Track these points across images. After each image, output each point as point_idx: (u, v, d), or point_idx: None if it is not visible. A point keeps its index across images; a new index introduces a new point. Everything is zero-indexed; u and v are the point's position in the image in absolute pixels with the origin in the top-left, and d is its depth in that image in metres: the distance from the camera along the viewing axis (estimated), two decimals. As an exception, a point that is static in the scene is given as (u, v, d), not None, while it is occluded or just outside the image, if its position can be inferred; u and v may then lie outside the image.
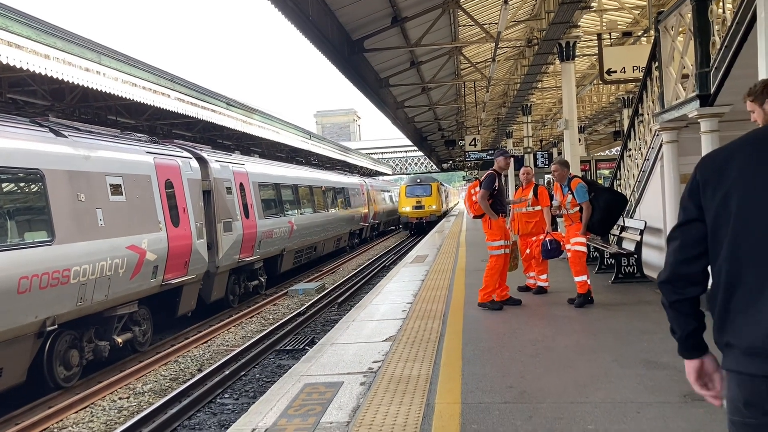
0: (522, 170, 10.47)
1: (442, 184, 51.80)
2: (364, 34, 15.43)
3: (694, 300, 2.29)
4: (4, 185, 8.79)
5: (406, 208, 41.10)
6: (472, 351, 6.61)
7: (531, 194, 9.89)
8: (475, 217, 9.22)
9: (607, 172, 30.59)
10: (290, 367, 6.86)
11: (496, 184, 8.88)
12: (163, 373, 10.70)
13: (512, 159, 9.85)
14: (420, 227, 40.00)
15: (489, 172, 9.04)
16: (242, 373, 10.27)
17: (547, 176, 32.23)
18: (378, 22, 15.36)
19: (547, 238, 9.41)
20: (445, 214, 50.47)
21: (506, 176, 37.95)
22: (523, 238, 10.00)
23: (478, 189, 8.98)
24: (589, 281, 8.83)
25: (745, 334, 2.05)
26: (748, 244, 2.07)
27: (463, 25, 18.64)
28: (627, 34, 18.11)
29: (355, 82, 17.39)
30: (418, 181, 43.05)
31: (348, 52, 15.03)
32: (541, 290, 9.92)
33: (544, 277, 9.98)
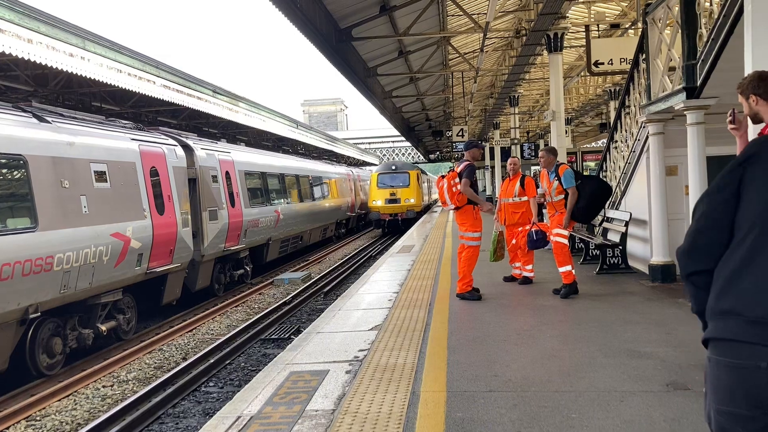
0: (509, 161, 10.52)
1: (423, 173, 42.16)
2: (352, 23, 15.34)
3: (711, 274, 2.24)
4: (-14, 171, 8.68)
5: (377, 201, 32.46)
6: (457, 340, 6.63)
7: (518, 185, 9.92)
8: (456, 208, 9.00)
9: (593, 164, 30.77)
10: (276, 356, 6.85)
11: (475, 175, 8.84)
12: (147, 361, 10.65)
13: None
14: (395, 226, 31.90)
15: (467, 162, 8.99)
16: (227, 362, 10.24)
17: (534, 168, 32.37)
18: (366, 10, 15.27)
19: (533, 229, 9.45)
20: (428, 208, 42.19)
21: (492, 168, 38.08)
22: (510, 228, 10.02)
23: (456, 180, 8.84)
24: (574, 272, 8.88)
25: (759, 302, 2.03)
26: None
27: (452, 15, 18.59)
28: (615, 26, 18.16)
29: (343, 71, 17.31)
30: (393, 168, 34.00)
31: (336, 41, 14.93)
32: (527, 281, 9.96)
33: (529, 267, 10.02)
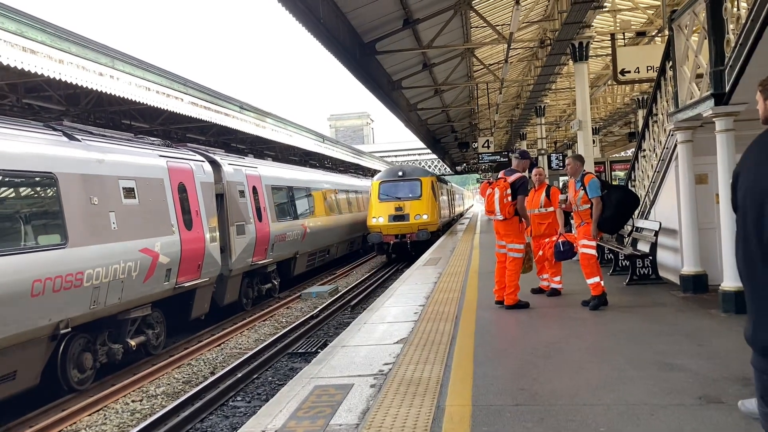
0: (534, 171, 10.43)
1: (441, 181, 32.79)
2: (375, 37, 15.42)
3: None
4: (18, 189, 8.85)
5: (379, 218, 24.76)
6: (484, 353, 6.56)
7: (543, 195, 9.83)
8: (504, 219, 8.92)
9: (622, 173, 30.41)
10: (302, 370, 6.84)
11: None
12: (176, 376, 10.72)
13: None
14: (402, 250, 24.64)
15: (521, 175, 9.01)
16: (255, 376, 10.27)
17: (562, 178, 32.07)
18: (390, 24, 15.34)
19: (559, 240, 9.33)
20: (449, 226, 34.17)
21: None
22: (536, 239, 9.92)
23: (509, 192, 8.81)
24: (602, 283, 8.74)
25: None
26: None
27: (476, 27, 18.57)
28: (641, 34, 17.98)
29: (368, 85, 17.37)
30: (400, 174, 26.23)
31: (360, 55, 15.02)
32: (555, 292, 9.83)
33: (557, 279, 9.89)
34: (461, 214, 54.61)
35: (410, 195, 25.07)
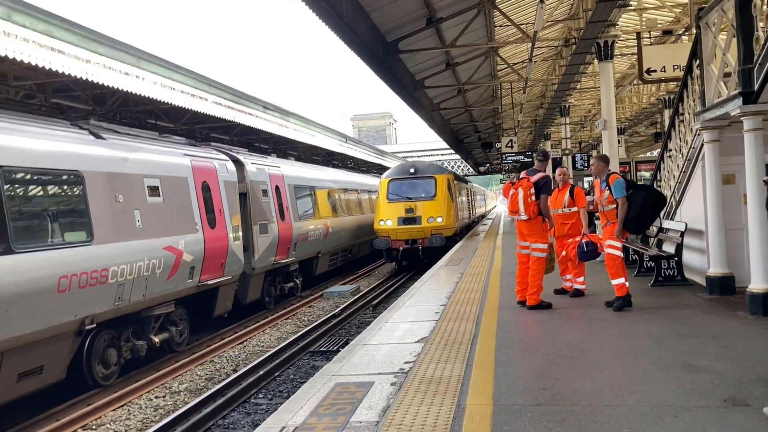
0: (558, 171, 10.35)
1: (460, 179, 29.45)
2: (399, 36, 15.42)
3: None
4: (45, 186, 8.98)
5: (387, 221, 21.80)
6: (505, 353, 6.52)
7: (567, 195, 9.75)
8: (528, 219, 8.91)
9: (647, 174, 30.06)
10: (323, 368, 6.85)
11: None
12: (198, 372, 10.81)
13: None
14: (413, 257, 21.80)
15: (545, 175, 8.97)
16: (277, 374, 10.32)
17: (587, 179, 31.79)
18: (413, 23, 15.33)
19: (583, 240, 9.25)
20: (469, 229, 31.40)
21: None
22: (560, 240, 9.84)
23: (532, 191, 8.80)
24: (627, 284, 8.64)
25: None
26: None
27: (499, 26, 18.50)
28: (667, 33, 17.76)
29: (390, 84, 17.38)
30: (412, 171, 23.23)
31: (383, 54, 15.02)
32: (578, 293, 9.74)
33: (581, 279, 9.80)
34: (483, 216, 51.58)
35: (423, 195, 21.86)
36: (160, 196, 11.17)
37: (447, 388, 5.37)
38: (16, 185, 8.30)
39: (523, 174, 9.16)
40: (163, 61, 15.00)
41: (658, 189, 11.51)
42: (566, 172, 10.29)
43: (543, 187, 8.82)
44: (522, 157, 32.31)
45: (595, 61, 17.47)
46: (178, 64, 15.82)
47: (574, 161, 30.59)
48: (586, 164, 30.43)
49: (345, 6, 11.49)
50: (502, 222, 35.93)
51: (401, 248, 21.04)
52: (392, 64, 16.45)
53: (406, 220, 21.19)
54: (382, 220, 21.52)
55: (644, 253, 11.54)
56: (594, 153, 38.93)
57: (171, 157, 12.03)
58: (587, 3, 14.97)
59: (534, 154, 21.41)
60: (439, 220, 21.27)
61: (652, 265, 10.84)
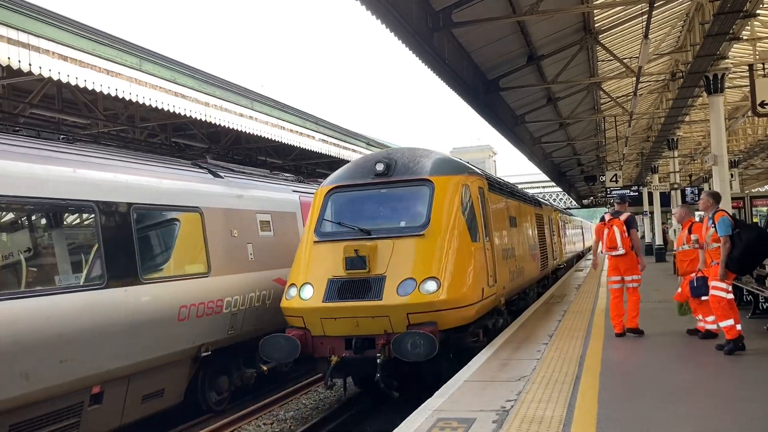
0: (675, 212, 10.48)
1: (508, 190, 13.84)
2: (499, 73, 15.61)
3: None
4: (168, 222, 9.73)
5: (304, 287, 8.97)
6: (609, 395, 6.46)
7: (686, 232, 9.59)
8: (625, 253, 9.76)
9: (764, 209, 28.48)
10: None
11: None
12: (304, 401, 11.20)
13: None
14: (362, 377, 9.99)
15: (630, 214, 10.02)
16: (379, 405, 10.49)
17: (698, 213, 30.47)
18: (514, 61, 15.50)
19: (696, 275, 8.99)
20: (553, 279, 21.73)
21: (651, 213, 36.15)
22: (685, 277, 9.68)
23: (624, 228, 9.75)
24: (738, 326, 8.30)
25: None
26: None
27: (602, 60, 18.31)
28: (783, 64, 16.96)
29: (491, 121, 17.53)
30: (380, 170, 9.54)
31: (483, 92, 15.24)
32: (710, 335, 9.21)
33: (711, 319, 9.36)
34: (581, 255, 41.83)
35: (396, 222, 9.45)
36: (270, 230, 11.78)
37: (548, 429, 5.41)
38: (144, 221, 9.05)
39: (608, 216, 10.09)
40: (274, 101, 15.93)
41: (766, 229, 11.00)
42: (681, 211, 10.35)
43: (632, 224, 9.82)
44: (628, 191, 31.42)
45: (704, 94, 16.94)
46: (288, 104, 16.73)
47: (683, 195, 29.47)
48: (696, 197, 29.27)
49: (447, 49, 11.84)
50: (606, 258, 34.86)
51: (332, 358, 8.66)
52: (493, 101, 16.63)
53: (346, 288, 8.76)
54: (293, 284, 9.25)
55: (759, 293, 11.02)
56: (705, 187, 37.30)
57: (281, 194, 12.68)
58: (695, 36, 14.63)
59: (613, 199, 21.02)
60: (429, 287, 8.56)
61: (768, 307, 10.35)
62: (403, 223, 9.29)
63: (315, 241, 9.39)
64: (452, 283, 8.65)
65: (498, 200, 11.95)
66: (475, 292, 9.18)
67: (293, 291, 9.07)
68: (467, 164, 10.87)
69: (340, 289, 8.67)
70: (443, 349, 8.31)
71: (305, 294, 8.89)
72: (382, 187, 9.64)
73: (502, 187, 13.08)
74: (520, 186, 22.85)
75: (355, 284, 8.65)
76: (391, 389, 8.56)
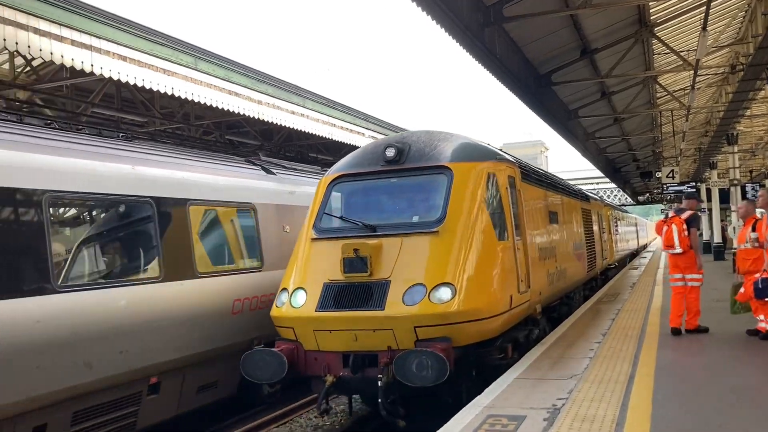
0: (740, 205, 10.21)
1: (549, 182, 12.13)
2: (551, 68, 15.38)
3: None
4: (223, 217, 9.94)
5: (297, 293, 7.67)
6: (663, 395, 6.33)
7: (749, 230, 9.29)
8: (683, 252, 9.63)
9: (831, 205, 27.26)
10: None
11: None
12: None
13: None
14: (364, 393, 8.86)
15: (693, 212, 9.90)
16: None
17: (758, 210, 29.45)
18: (566, 55, 15.25)
19: (762, 276, 8.70)
20: (599, 280, 19.61)
21: (710, 210, 35.10)
22: (746, 276, 9.37)
23: (685, 227, 9.59)
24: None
25: None
26: None
27: (658, 53, 17.85)
28: None
29: (542, 115, 17.30)
30: (390, 156, 8.21)
31: (535, 86, 15.06)
32: None
33: None
34: (635, 254, 40.38)
35: (408, 217, 8.15)
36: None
37: (600, 429, 5.35)
38: (199, 216, 9.28)
39: (671, 213, 10.02)
40: (327, 99, 16.12)
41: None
42: (743, 207, 9.91)
43: (692, 223, 9.68)
44: (685, 187, 30.58)
45: (766, 87, 16.37)
46: (339, 102, 16.91)
47: (743, 191, 28.49)
48: (757, 194, 28.28)
49: (498, 44, 11.74)
50: (663, 255, 34.06)
51: (328, 378, 7.38)
52: (544, 96, 16.40)
53: (344, 295, 7.44)
54: (285, 288, 8.02)
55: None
56: (766, 183, 36.05)
57: (331, 190, 12.79)
58: (757, 27, 14.13)
59: (682, 195, 20.67)
60: (442, 295, 7.16)
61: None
62: (415, 218, 7.96)
63: (312, 239, 8.11)
64: (471, 290, 7.21)
65: (534, 192, 10.43)
66: (500, 300, 7.73)
67: (284, 297, 7.75)
68: (496, 149, 9.52)
69: (336, 296, 7.32)
70: (461, 368, 7.09)
71: (297, 301, 7.55)
72: (393, 176, 8.31)
73: (540, 177, 11.38)
74: (572, 182, 21.34)
75: (354, 290, 7.28)
76: (396, 417, 7.11)
